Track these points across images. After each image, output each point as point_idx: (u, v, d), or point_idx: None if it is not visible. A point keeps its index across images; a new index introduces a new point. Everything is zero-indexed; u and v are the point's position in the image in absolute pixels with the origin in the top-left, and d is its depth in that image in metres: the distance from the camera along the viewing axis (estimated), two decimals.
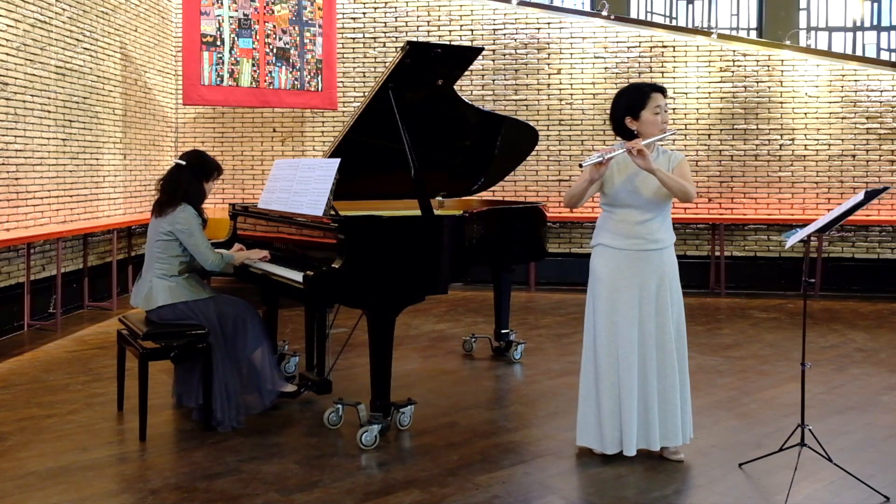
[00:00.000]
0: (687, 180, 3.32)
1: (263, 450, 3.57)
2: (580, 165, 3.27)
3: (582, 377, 3.48)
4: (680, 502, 3.07)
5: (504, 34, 8.73)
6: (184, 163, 4.01)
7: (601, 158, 3.21)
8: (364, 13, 8.89)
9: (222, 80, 8.08)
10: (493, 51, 8.70)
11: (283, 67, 8.33)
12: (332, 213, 3.79)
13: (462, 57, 4.45)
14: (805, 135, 8.32)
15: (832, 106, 8.27)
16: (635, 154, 3.20)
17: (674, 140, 8.46)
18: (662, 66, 8.51)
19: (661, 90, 3.39)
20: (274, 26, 8.27)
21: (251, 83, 8.20)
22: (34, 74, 6.28)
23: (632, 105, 3.38)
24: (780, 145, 8.36)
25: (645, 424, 3.37)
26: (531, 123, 5.48)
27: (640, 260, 3.36)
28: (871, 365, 5.19)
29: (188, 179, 3.96)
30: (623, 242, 3.38)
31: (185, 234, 3.87)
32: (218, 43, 8.04)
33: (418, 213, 3.97)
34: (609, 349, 3.36)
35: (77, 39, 6.89)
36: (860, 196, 3.11)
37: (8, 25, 5.95)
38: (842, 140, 8.27)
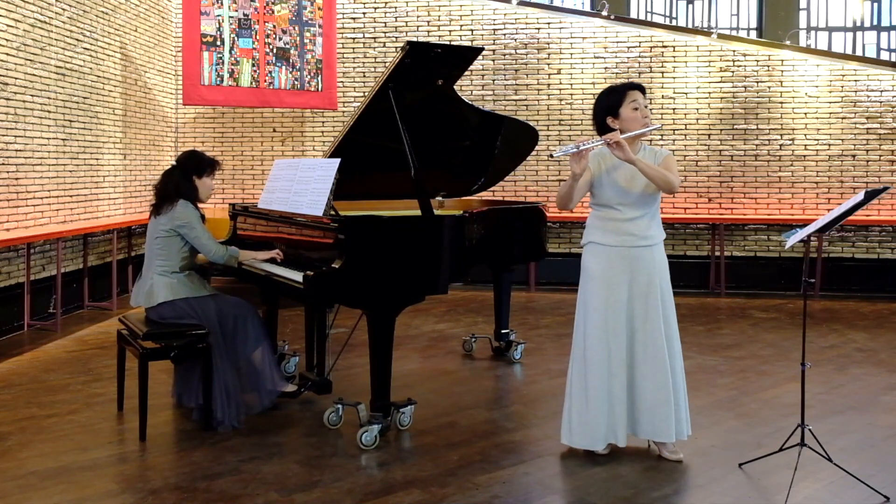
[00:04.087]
0: (671, 172, 3.33)
1: (263, 450, 3.57)
2: (550, 156, 3.28)
3: (570, 375, 3.50)
4: (680, 502, 3.07)
5: (504, 34, 8.73)
6: (175, 164, 4.08)
7: (576, 149, 3.21)
8: (364, 13, 8.90)
9: (222, 80, 8.08)
10: (493, 51, 8.70)
11: (283, 67, 8.33)
12: (332, 213, 3.79)
13: (462, 57, 4.45)
14: (805, 135, 8.32)
15: (832, 106, 8.27)
16: (613, 146, 3.22)
17: (674, 140, 8.47)
18: (662, 66, 8.51)
19: (639, 87, 3.43)
20: (274, 26, 8.27)
21: (251, 83, 8.20)
22: (34, 74, 6.28)
23: (610, 104, 3.42)
24: (780, 145, 8.36)
25: (633, 419, 3.42)
26: (531, 123, 5.48)
27: (631, 257, 3.40)
28: (871, 365, 5.19)
29: (178, 177, 4.00)
30: (614, 239, 3.41)
31: (186, 228, 3.88)
32: (218, 43, 8.05)
33: (418, 213, 3.97)
34: (600, 346, 3.38)
35: (77, 39, 6.89)
36: (860, 196, 3.11)
37: (8, 25, 5.94)
38: (842, 140, 8.27)
